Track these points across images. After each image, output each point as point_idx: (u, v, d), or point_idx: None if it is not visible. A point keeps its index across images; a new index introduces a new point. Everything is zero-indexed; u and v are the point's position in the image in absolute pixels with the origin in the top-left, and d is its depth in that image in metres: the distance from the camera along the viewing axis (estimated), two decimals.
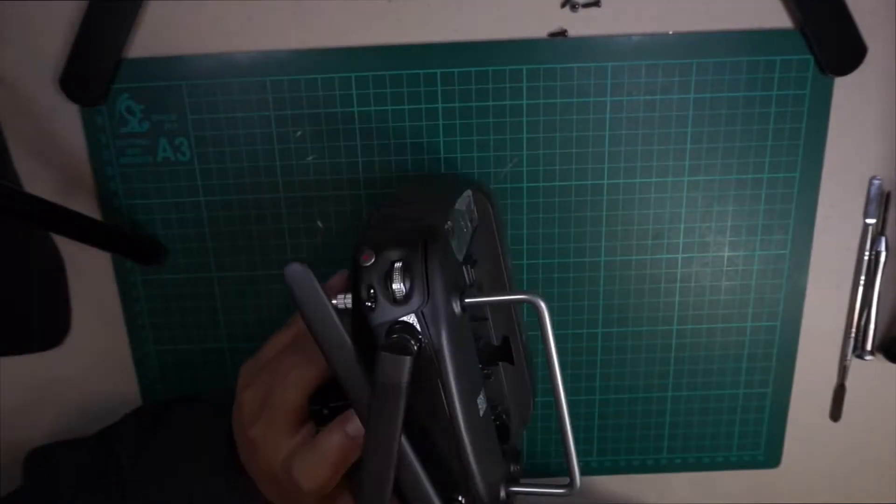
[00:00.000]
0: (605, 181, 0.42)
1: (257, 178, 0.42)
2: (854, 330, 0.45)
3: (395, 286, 0.24)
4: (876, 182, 0.42)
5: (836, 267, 0.44)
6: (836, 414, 0.46)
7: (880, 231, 0.43)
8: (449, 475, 0.27)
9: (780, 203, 0.42)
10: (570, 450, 0.27)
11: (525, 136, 0.41)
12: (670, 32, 0.39)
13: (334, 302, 0.26)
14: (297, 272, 0.25)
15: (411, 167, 0.41)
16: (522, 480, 0.30)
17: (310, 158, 0.41)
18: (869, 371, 0.45)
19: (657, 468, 0.48)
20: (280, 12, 0.39)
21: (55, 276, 0.44)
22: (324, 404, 0.31)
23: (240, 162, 0.41)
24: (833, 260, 0.43)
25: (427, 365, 0.25)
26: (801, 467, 0.48)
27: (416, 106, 0.40)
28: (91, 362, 0.45)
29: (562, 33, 0.39)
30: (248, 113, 0.41)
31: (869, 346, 0.44)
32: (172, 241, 0.43)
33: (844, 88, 0.40)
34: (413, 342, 0.24)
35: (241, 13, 0.39)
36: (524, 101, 0.40)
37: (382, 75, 0.40)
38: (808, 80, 0.40)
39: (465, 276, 0.29)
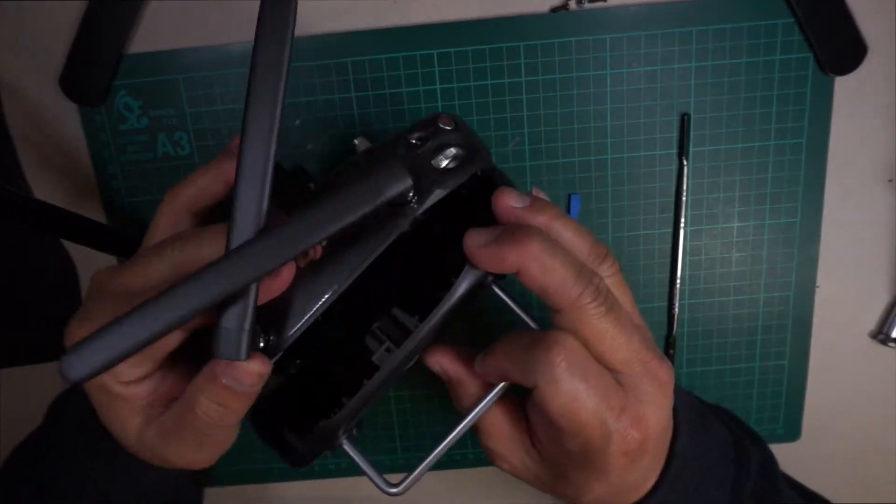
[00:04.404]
0: (609, 156, 0.41)
1: None
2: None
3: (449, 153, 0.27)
4: None
5: (849, 233, 0.43)
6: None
7: None
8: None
9: (788, 170, 0.42)
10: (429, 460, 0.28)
11: (525, 113, 0.40)
12: None
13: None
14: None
15: None
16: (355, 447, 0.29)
17: (309, 147, 0.41)
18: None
19: None
20: None
21: (69, 284, 0.44)
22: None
23: None
24: (845, 225, 0.43)
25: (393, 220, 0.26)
26: (822, 439, 0.47)
27: (415, 88, 0.40)
28: None
29: (563, 7, 0.39)
30: None
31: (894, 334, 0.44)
32: None
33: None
34: (415, 200, 0.25)
35: (235, 4, 0.39)
36: (523, 79, 0.40)
37: (379, 59, 0.40)
38: (811, 45, 0.39)
39: None
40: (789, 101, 0.40)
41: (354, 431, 0.30)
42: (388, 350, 0.27)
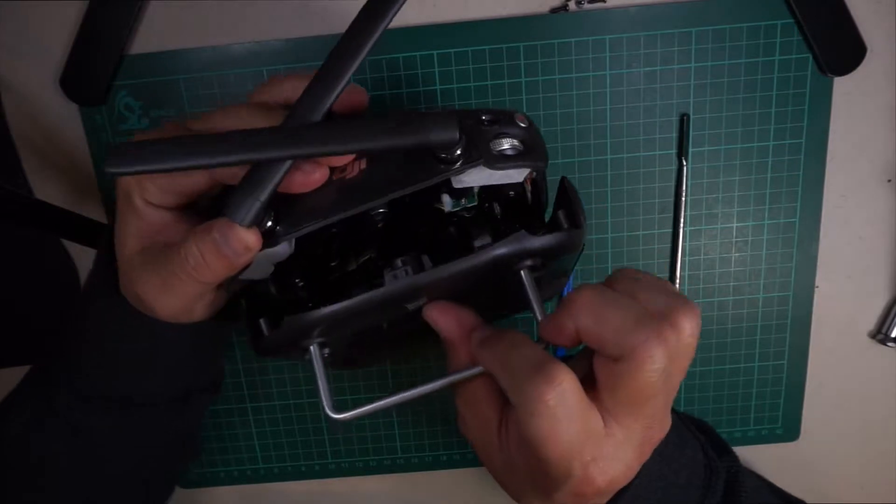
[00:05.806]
0: (609, 156, 0.41)
1: None
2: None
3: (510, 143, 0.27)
4: None
5: (848, 233, 0.43)
6: None
7: None
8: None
9: (787, 170, 0.42)
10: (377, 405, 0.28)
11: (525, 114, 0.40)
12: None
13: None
14: None
15: None
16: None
17: None
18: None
19: None
20: (273, 1, 0.39)
21: (69, 284, 0.44)
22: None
23: None
24: (844, 226, 0.43)
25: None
26: (821, 439, 0.47)
27: (415, 89, 0.40)
28: None
29: (563, 7, 0.39)
30: None
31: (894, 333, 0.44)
32: None
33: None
34: (462, 154, 0.25)
35: (235, 5, 0.39)
36: (523, 79, 0.40)
37: (378, 59, 0.40)
38: (809, 45, 0.39)
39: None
40: (788, 102, 0.40)
41: (326, 351, 0.30)
42: (395, 276, 0.28)
